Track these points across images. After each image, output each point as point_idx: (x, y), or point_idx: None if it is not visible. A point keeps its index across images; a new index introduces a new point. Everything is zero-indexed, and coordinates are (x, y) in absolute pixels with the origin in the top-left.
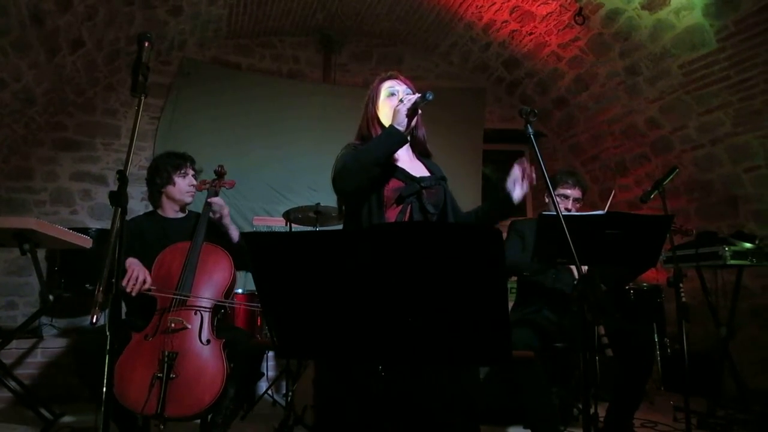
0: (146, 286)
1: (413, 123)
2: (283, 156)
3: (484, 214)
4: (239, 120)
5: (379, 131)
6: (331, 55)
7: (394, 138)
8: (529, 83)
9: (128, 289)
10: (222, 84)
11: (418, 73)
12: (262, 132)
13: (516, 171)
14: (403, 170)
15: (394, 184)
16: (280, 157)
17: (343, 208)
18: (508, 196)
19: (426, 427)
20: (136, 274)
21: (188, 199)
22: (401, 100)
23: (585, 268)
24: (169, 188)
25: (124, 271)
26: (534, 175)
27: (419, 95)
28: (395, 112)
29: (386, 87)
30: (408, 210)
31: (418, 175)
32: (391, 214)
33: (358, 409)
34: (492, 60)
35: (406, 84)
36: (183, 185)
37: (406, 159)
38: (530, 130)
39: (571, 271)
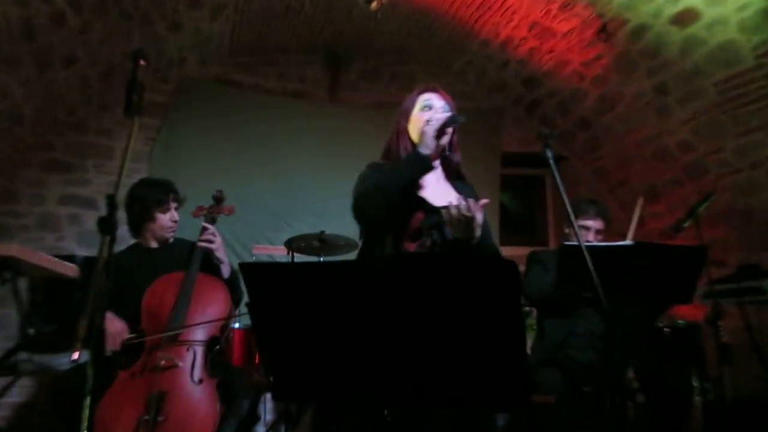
0: (125, 336)
1: (443, 144)
2: (287, 180)
3: None
4: (240, 142)
5: (408, 146)
6: (338, 74)
7: (418, 163)
8: (549, 103)
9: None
10: (223, 104)
11: None
12: (264, 155)
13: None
14: (424, 200)
15: (417, 216)
16: (283, 181)
17: (361, 238)
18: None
19: None
20: (113, 329)
21: (168, 235)
22: (428, 121)
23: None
24: (149, 224)
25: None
26: (470, 211)
27: (448, 115)
28: (422, 134)
29: (422, 99)
30: (427, 244)
31: (443, 202)
32: (408, 249)
33: None
34: (510, 79)
35: (445, 99)
36: (164, 221)
37: (432, 183)
38: (549, 153)
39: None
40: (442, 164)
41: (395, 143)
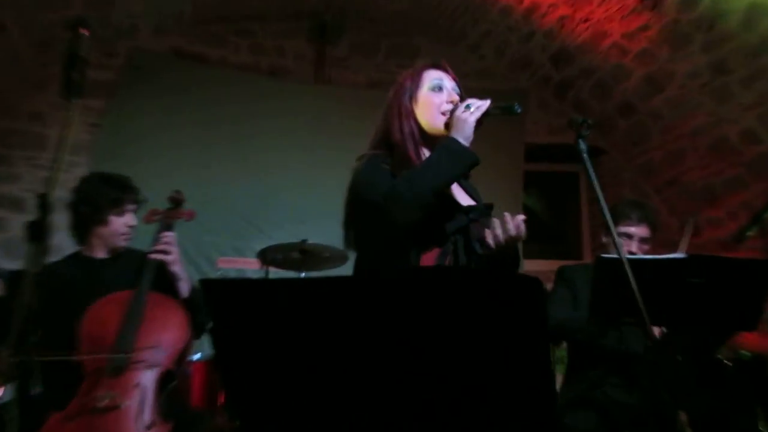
0: None
1: None
2: (261, 178)
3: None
4: (204, 131)
5: (416, 132)
6: (325, 47)
7: (462, 158)
8: (584, 84)
9: None
10: (183, 83)
11: None
12: (233, 146)
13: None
14: (456, 201)
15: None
16: (256, 179)
17: (351, 240)
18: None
19: None
20: None
21: (121, 243)
22: (468, 106)
23: (658, 330)
24: (100, 229)
25: None
26: (517, 231)
27: (488, 102)
28: (459, 121)
29: (430, 78)
30: (451, 252)
31: (463, 204)
32: (430, 257)
33: None
34: (536, 54)
35: (455, 80)
36: (118, 226)
37: None
38: (583, 146)
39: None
40: None
41: (398, 128)
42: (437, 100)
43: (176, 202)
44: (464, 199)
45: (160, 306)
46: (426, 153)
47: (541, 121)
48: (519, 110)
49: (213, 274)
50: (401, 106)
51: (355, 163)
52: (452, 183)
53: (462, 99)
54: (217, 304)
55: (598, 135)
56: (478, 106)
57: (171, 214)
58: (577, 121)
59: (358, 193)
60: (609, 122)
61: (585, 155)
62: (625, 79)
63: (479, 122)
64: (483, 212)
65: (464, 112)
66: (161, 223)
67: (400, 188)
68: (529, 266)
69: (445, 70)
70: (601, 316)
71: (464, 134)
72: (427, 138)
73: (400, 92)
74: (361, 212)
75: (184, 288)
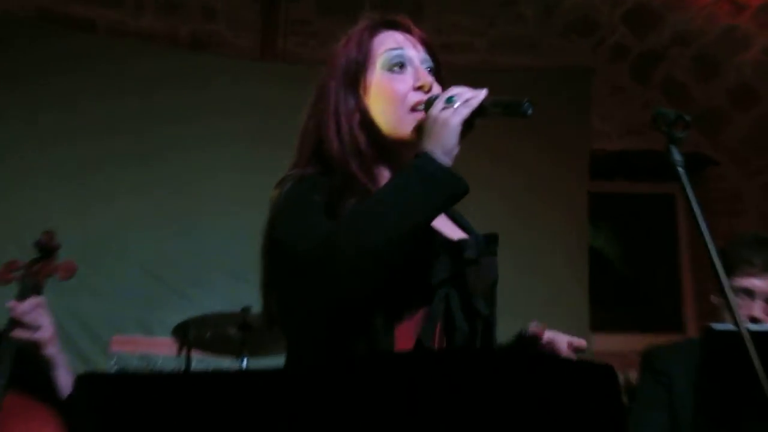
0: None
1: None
2: (179, 208)
3: None
4: (91, 133)
5: (361, 139)
6: (278, 5)
7: (443, 186)
8: (678, 59)
9: None
10: (57, 60)
11: (452, 39)
12: (136, 158)
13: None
14: (443, 237)
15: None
16: (171, 210)
17: (275, 311)
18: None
19: None
20: None
21: None
22: (451, 99)
23: None
24: None
25: None
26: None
27: (483, 94)
28: (435, 124)
29: (386, 46)
30: (442, 314)
31: (451, 237)
32: (408, 328)
33: None
34: (602, 14)
35: (425, 46)
36: None
37: None
38: (677, 155)
39: None
40: None
41: (335, 133)
42: (401, 87)
43: (46, 249)
44: (450, 230)
45: (22, 414)
46: (384, 171)
47: (614, 117)
48: (529, 111)
49: (104, 364)
50: (339, 99)
51: (273, 190)
52: (426, 225)
53: (440, 79)
54: (104, 413)
55: (698, 138)
56: (467, 99)
57: (38, 268)
58: (667, 116)
59: (278, 240)
60: (718, 117)
61: (681, 169)
62: (740, 50)
63: (469, 124)
64: (483, 248)
65: (444, 109)
66: (23, 283)
67: (338, 239)
68: (600, 344)
69: (408, 30)
70: (713, 421)
71: (443, 145)
72: (384, 147)
73: (338, 73)
74: (285, 270)
75: (65, 380)
